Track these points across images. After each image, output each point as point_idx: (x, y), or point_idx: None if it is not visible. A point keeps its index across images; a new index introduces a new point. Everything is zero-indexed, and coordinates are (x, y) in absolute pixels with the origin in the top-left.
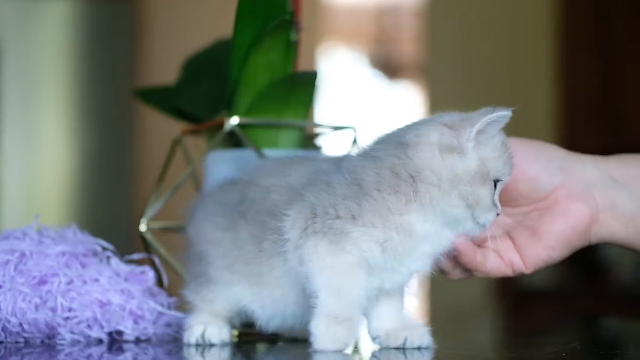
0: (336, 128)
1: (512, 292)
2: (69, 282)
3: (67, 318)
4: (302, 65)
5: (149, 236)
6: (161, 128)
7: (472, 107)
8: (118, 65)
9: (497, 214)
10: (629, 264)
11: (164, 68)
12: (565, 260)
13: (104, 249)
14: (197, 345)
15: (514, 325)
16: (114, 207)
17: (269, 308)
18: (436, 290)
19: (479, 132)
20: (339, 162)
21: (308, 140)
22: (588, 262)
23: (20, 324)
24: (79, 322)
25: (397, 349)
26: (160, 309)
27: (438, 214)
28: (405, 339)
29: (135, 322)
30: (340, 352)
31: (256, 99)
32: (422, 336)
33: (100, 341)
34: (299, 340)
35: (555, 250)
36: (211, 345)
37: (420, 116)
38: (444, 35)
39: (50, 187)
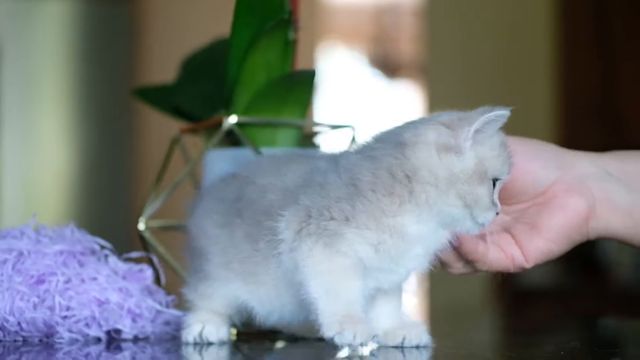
0: (335, 127)
1: (511, 291)
2: (67, 281)
3: (65, 317)
4: (301, 65)
5: (147, 235)
6: (160, 127)
7: (471, 106)
8: (117, 64)
9: (497, 213)
10: (629, 264)
11: (163, 67)
12: (565, 260)
13: (102, 247)
14: (195, 343)
15: (513, 324)
16: (113, 206)
17: (267, 305)
18: (435, 288)
19: (477, 131)
20: (336, 160)
21: (306, 139)
22: (587, 261)
23: (19, 323)
24: (77, 321)
25: (396, 347)
26: (158, 307)
27: (434, 214)
28: (404, 338)
29: (134, 320)
30: (358, 346)
31: (254, 98)
32: (420, 335)
33: (98, 340)
34: (298, 339)
35: (555, 243)
36: (209, 343)
37: (419, 115)
38: (443, 35)
39: (49, 185)
